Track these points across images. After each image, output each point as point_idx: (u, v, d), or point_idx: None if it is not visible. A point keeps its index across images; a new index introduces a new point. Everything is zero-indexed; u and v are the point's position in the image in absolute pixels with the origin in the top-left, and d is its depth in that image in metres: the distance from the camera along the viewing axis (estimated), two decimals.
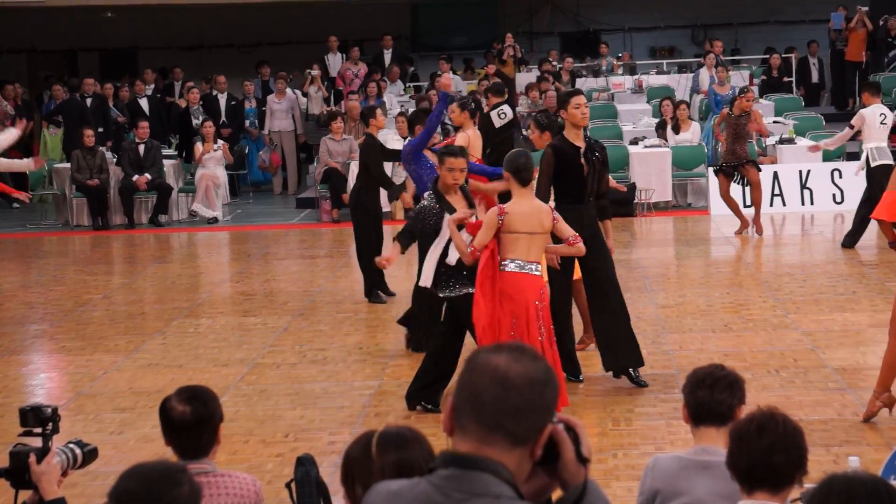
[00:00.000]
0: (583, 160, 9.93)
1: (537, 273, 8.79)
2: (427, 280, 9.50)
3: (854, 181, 18.47)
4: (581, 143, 9.98)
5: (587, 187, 9.97)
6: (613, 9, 32.75)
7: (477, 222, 8.98)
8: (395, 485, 2.97)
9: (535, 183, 9.12)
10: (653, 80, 26.48)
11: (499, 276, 8.74)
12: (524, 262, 8.72)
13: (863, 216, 15.19)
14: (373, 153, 13.53)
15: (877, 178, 14.95)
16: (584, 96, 10.15)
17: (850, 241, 15.78)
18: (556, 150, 9.98)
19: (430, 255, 9.49)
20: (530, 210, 8.75)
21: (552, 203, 9.66)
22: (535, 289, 8.74)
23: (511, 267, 8.72)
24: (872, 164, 15.51)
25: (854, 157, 20.60)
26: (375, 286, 13.76)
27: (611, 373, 10.14)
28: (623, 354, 10.03)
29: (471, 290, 9.03)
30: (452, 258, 9.28)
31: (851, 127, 16.08)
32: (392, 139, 19.34)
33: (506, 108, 15.78)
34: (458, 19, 32.70)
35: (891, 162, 15.36)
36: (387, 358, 11.34)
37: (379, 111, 14.04)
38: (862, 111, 16.00)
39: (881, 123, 15.72)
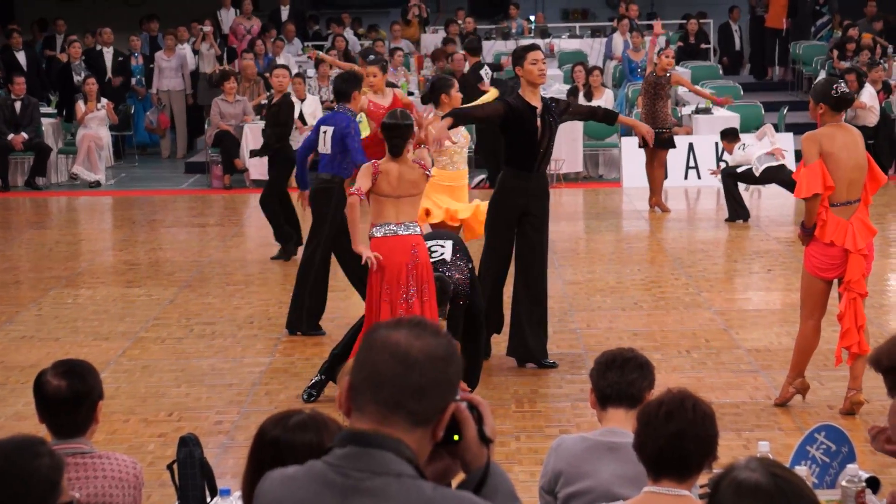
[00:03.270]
0: (539, 122, 9.84)
1: (408, 233, 8.86)
2: None
3: None
4: (538, 103, 9.86)
5: (538, 152, 9.87)
6: None
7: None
8: (291, 469, 2.96)
9: (408, 151, 9.07)
10: (565, 44, 26.59)
11: (371, 243, 8.93)
12: (394, 223, 8.83)
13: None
14: None
15: (767, 180, 16.44)
16: (541, 51, 10.04)
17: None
18: (508, 107, 9.82)
19: None
20: (399, 173, 8.80)
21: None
22: (405, 249, 8.82)
23: (382, 232, 8.86)
24: (762, 167, 16.31)
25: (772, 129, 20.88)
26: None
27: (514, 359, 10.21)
28: (531, 344, 10.08)
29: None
30: None
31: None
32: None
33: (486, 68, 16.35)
34: None
35: (775, 163, 16.25)
36: (279, 333, 11.30)
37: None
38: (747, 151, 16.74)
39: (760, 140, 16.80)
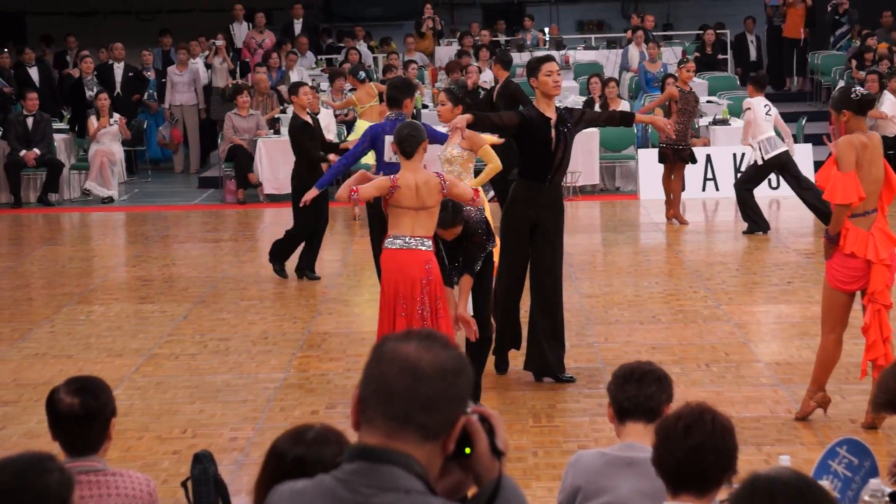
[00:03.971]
0: (553, 133, 9.82)
1: (423, 248, 8.89)
2: None
3: None
4: (552, 115, 9.85)
5: (553, 163, 9.85)
6: None
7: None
8: (300, 483, 2.96)
9: (419, 157, 8.99)
10: (580, 55, 26.60)
11: (384, 254, 8.96)
12: (409, 236, 8.85)
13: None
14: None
15: (774, 169, 16.37)
16: (556, 62, 10.07)
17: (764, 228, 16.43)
18: (522, 118, 9.84)
19: None
20: (416, 184, 8.81)
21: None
22: (419, 264, 8.83)
23: (396, 244, 8.88)
24: (767, 157, 16.17)
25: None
26: (307, 266, 14.19)
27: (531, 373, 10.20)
28: (549, 358, 10.06)
29: None
30: None
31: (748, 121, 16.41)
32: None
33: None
34: None
35: (783, 149, 16.18)
36: (293, 349, 11.30)
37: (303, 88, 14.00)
38: (750, 101, 16.42)
39: (766, 115, 16.35)
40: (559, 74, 9.99)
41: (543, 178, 9.88)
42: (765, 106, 16.38)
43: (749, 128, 16.25)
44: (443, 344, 2.90)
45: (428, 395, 2.82)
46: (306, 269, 14.20)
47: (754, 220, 16.30)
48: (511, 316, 10.16)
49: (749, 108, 16.30)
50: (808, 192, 16.04)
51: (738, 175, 16.94)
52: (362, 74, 19.40)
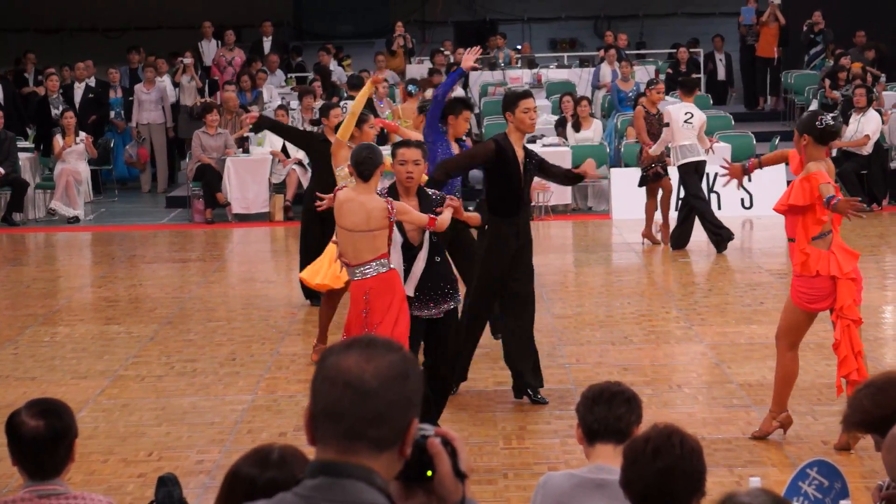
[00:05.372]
0: (521, 169, 9.80)
1: (361, 276, 8.75)
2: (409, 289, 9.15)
3: (763, 185, 18.79)
4: (520, 151, 9.82)
5: (522, 195, 9.88)
6: None
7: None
8: (260, 503, 2.97)
9: (376, 180, 8.85)
10: (553, 74, 26.67)
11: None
12: (352, 266, 8.77)
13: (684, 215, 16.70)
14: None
15: (682, 177, 16.58)
16: (533, 99, 9.99)
17: (678, 242, 16.67)
18: (499, 148, 9.77)
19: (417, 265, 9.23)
20: (360, 206, 8.67)
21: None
22: (358, 295, 8.78)
23: (356, 276, 8.82)
24: (678, 164, 16.39)
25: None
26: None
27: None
28: (527, 377, 10.09)
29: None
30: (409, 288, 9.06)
31: (668, 125, 16.44)
32: None
33: None
34: (344, 6, 32.71)
35: (694, 159, 16.30)
36: (261, 370, 11.30)
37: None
38: (669, 108, 16.54)
39: (685, 122, 16.34)
40: (536, 112, 9.98)
41: (517, 209, 9.89)
42: (686, 113, 16.39)
43: (668, 134, 16.40)
44: (385, 349, 2.89)
45: (375, 409, 2.83)
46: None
47: (715, 233, 16.37)
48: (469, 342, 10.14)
49: (668, 114, 16.40)
50: (701, 203, 16.54)
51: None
52: (412, 88, 19.47)
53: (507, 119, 9.87)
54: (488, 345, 11.20)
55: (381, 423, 2.83)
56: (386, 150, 10.12)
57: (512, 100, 9.88)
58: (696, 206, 16.51)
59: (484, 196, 10.11)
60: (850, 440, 8.77)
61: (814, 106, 23.12)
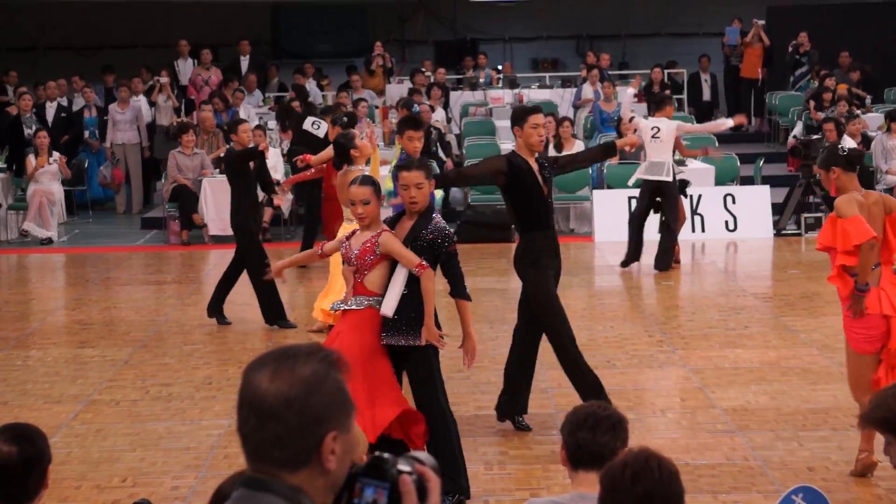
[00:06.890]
0: (540, 179, 9.69)
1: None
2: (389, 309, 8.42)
3: (747, 207, 18.85)
4: (534, 163, 9.70)
5: (549, 208, 9.79)
6: (493, 17, 33.06)
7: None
8: None
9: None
10: (534, 94, 26.73)
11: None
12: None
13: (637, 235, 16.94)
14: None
15: (642, 192, 16.90)
16: (542, 115, 9.88)
17: (628, 260, 16.98)
18: (511, 165, 9.66)
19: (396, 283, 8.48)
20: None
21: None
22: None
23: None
24: (640, 175, 16.71)
25: (748, 181, 21.04)
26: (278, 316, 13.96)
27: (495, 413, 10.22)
28: (519, 401, 10.12)
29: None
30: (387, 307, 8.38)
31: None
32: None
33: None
34: (323, 25, 32.74)
35: (653, 178, 16.48)
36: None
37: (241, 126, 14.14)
38: (639, 120, 16.87)
39: (653, 138, 16.54)
40: (544, 128, 9.90)
41: (549, 222, 9.84)
42: (653, 128, 16.57)
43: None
44: (302, 359, 2.87)
45: (276, 432, 2.84)
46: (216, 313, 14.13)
47: (631, 251, 16.89)
48: (580, 365, 10.04)
49: (637, 129, 16.52)
50: (633, 225, 16.86)
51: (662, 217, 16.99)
52: (416, 108, 19.57)
53: (516, 134, 9.79)
54: (467, 371, 11.18)
55: (284, 445, 2.84)
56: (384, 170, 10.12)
57: (520, 115, 9.80)
58: (629, 226, 16.91)
59: (512, 219, 9.97)
60: (867, 468, 8.63)
61: (798, 128, 23.25)
